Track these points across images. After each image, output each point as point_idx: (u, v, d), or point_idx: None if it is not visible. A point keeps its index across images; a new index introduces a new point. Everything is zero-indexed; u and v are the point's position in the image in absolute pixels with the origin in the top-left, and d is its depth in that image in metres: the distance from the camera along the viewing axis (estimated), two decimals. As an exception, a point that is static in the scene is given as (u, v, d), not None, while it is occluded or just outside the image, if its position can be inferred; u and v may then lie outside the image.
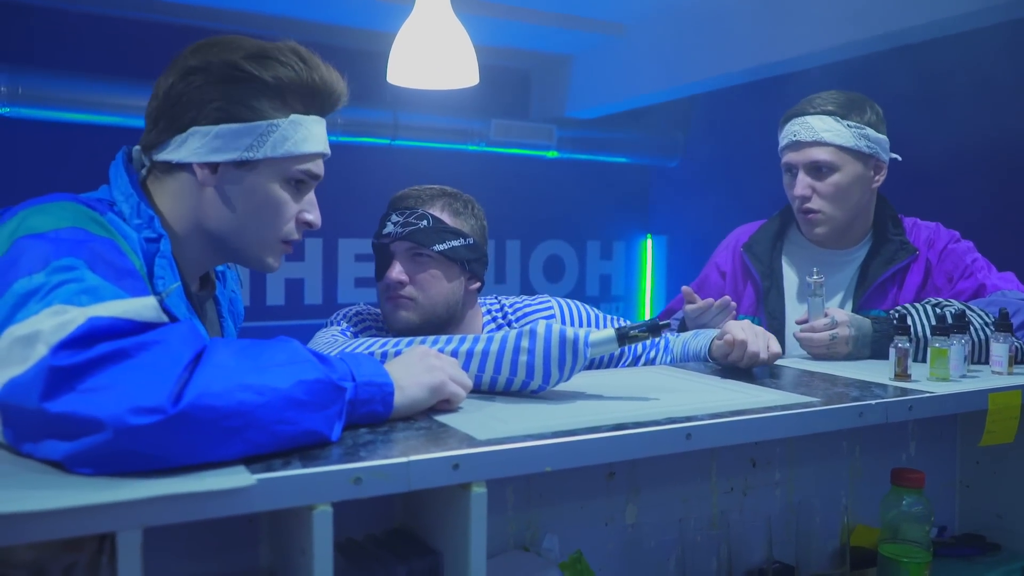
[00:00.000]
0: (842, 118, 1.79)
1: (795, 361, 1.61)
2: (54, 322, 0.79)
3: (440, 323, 1.56)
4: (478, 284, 1.62)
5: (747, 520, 1.31)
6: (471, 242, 1.56)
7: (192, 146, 1.07)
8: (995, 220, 3.54)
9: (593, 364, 1.63)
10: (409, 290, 1.53)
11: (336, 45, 4.45)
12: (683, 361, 1.64)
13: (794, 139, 1.82)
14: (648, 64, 4.42)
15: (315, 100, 1.13)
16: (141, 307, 0.85)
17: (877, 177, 1.84)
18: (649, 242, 5.85)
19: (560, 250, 5.58)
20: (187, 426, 0.75)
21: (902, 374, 1.38)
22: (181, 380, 0.77)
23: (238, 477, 0.75)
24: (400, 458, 0.84)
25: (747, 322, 1.50)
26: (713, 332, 1.58)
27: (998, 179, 3.63)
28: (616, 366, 1.67)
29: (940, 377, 1.37)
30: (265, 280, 4.69)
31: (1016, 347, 1.48)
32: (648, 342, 1.65)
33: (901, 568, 1.24)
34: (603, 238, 5.73)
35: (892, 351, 1.39)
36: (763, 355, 1.42)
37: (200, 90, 1.06)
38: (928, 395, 1.26)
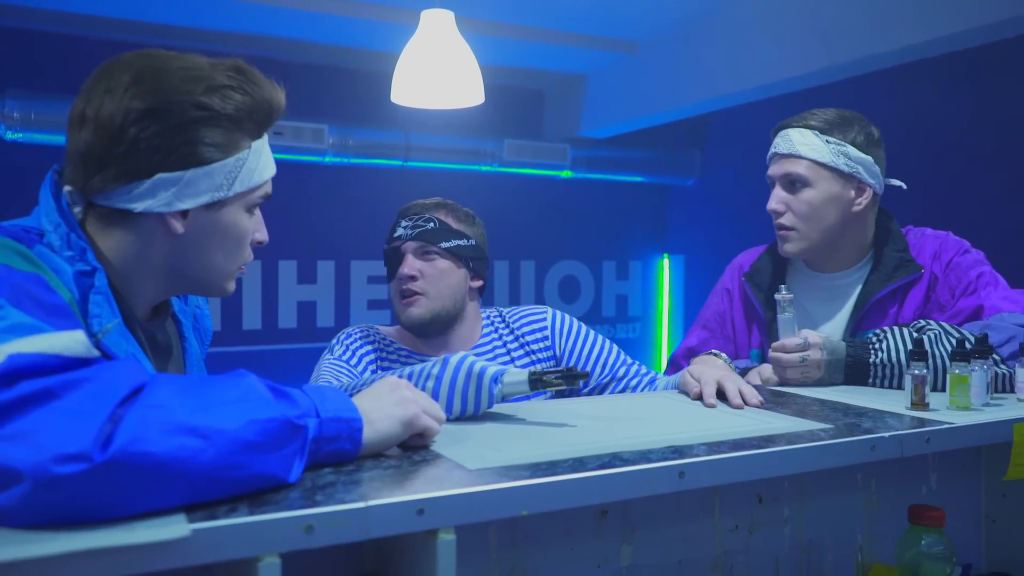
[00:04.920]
0: (822, 133, 1.70)
1: (804, 388, 1.53)
2: None
3: (448, 317, 1.66)
4: (480, 282, 1.73)
5: (753, 561, 1.22)
6: (473, 243, 1.69)
7: (161, 197, 0.99)
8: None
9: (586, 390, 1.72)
10: (420, 284, 1.63)
11: (345, 66, 4.44)
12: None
13: (774, 151, 1.78)
14: (663, 82, 4.35)
15: (267, 120, 1.07)
16: (69, 341, 0.78)
17: (859, 200, 1.71)
18: (666, 262, 5.75)
19: (575, 271, 5.51)
20: (117, 475, 0.68)
21: (919, 403, 1.29)
22: (112, 421, 0.70)
23: (172, 528, 0.69)
24: (358, 503, 0.77)
25: (718, 368, 1.44)
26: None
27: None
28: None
29: (961, 406, 1.28)
30: (277, 303, 4.65)
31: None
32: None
33: (921, 614, 1.15)
34: (619, 258, 5.65)
35: (908, 379, 1.30)
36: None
37: (160, 135, 0.97)
38: (947, 426, 1.17)
